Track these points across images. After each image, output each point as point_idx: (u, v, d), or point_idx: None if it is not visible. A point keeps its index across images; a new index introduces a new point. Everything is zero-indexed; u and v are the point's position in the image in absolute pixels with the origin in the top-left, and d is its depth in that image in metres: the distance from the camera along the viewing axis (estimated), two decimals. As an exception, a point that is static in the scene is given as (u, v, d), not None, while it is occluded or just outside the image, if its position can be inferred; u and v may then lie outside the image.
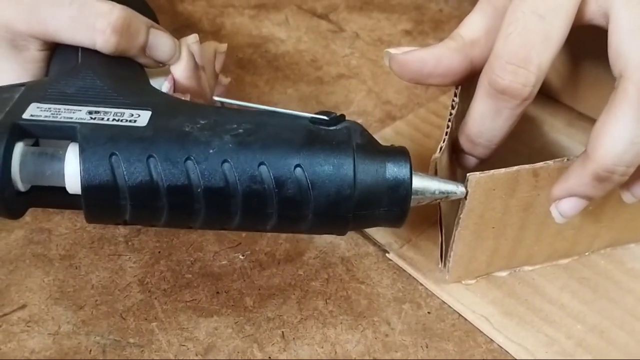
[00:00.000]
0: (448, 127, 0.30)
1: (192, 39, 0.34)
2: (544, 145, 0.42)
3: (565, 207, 0.29)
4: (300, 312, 0.32)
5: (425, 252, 0.34)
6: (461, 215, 0.29)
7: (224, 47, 0.38)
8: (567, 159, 0.29)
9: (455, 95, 0.31)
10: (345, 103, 0.46)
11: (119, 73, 0.30)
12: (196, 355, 0.30)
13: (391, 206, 0.27)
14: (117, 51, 0.31)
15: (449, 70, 0.30)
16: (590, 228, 0.33)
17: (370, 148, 0.27)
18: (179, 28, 0.55)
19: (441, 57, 0.30)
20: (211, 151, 0.26)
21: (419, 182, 0.28)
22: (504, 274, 0.33)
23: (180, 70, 0.33)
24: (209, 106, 0.29)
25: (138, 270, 0.34)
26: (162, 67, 0.34)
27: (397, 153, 0.28)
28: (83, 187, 0.25)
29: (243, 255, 0.34)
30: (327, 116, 0.28)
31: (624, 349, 0.30)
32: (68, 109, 0.27)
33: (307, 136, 0.27)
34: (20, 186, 0.26)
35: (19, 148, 0.26)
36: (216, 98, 0.30)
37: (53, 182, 0.26)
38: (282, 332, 0.31)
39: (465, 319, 0.32)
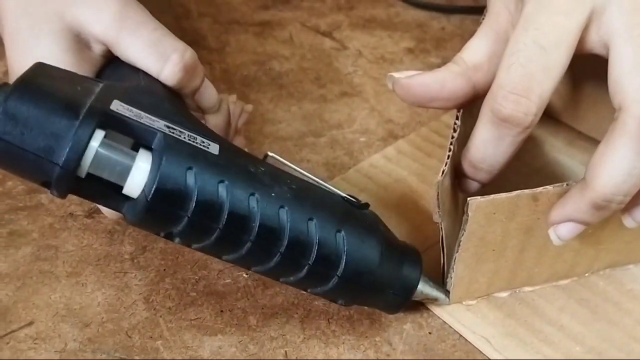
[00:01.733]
0: (450, 150, 0.31)
1: (233, 98, 0.37)
2: (544, 165, 0.42)
3: (563, 231, 0.29)
4: (303, 332, 0.32)
5: (426, 272, 0.35)
6: (462, 238, 0.30)
7: (250, 107, 0.41)
8: (567, 184, 0.30)
9: (457, 118, 0.32)
10: (348, 121, 0.47)
11: (178, 102, 0.32)
12: (200, 373, 0.30)
13: (397, 294, 0.30)
14: (177, 86, 0.32)
15: (452, 95, 0.31)
16: (590, 250, 0.33)
17: (392, 239, 0.31)
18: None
19: (445, 81, 0.31)
20: (273, 194, 0.28)
21: (420, 284, 0.31)
22: (504, 294, 0.34)
23: (219, 122, 0.36)
24: (258, 158, 0.31)
25: (144, 288, 0.34)
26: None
27: (413, 253, 0.32)
28: (154, 190, 0.26)
29: (247, 274, 0.35)
30: (355, 200, 0.31)
31: (622, 370, 0.31)
32: (148, 117, 0.27)
33: (346, 209, 0.30)
34: (82, 170, 0.26)
35: (99, 134, 0.26)
36: (271, 154, 0.31)
37: (114, 177, 0.27)
38: (285, 351, 0.31)
39: (466, 340, 0.32)
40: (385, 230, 0.31)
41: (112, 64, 0.33)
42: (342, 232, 0.29)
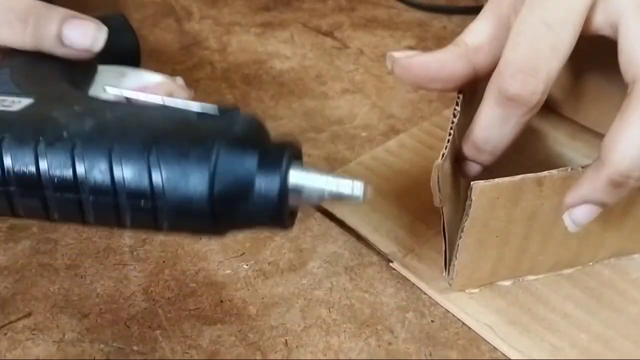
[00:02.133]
0: (450, 134, 0.31)
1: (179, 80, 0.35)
2: (547, 158, 0.42)
3: (579, 215, 0.29)
4: (304, 321, 0.32)
5: (428, 261, 0.34)
6: (465, 224, 0.30)
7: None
8: (571, 169, 0.29)
9: (457, 104, 0.32)
10: (349, 117, 0.46)
11: (43, 71, 0.30)
12: (199, 362, 0.30)
13: (264, 203, 0.24)
14: (27, 43, 0.30)
15: (452, 76, 0.31)
16: (595, 238, 0.33)
17: (247, 140, 0.24)
18: (187, 46, 0.56)
19: (445, 62, 0.30)
20: (64, 134, 0.24)
21: (299, 179, 0.24)
22: (507, 283, 0.33)
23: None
24: (104, 99, 0.28)
25: (142, 279, 0.34)
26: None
27: (279, 145, 0.25)
28: None
29: (247, 265, 0.35)
30: (219, 108, 0.25)
31: (628, 358, 0.30)
32: None
33: (175, 126, 0.24)
34: None
35: None
36: (108, 89, 0.29)
37: None
38: (286, 340, 0.31)
39: (469, 328, 0.31)
40: (244, 131, 0.25)
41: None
42: (155, 154, 0.24)
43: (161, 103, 0.26)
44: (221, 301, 0.33)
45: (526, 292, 0.33)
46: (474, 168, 0.32)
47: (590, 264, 0.35)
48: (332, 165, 0.42)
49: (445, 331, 0.31)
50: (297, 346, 0.31)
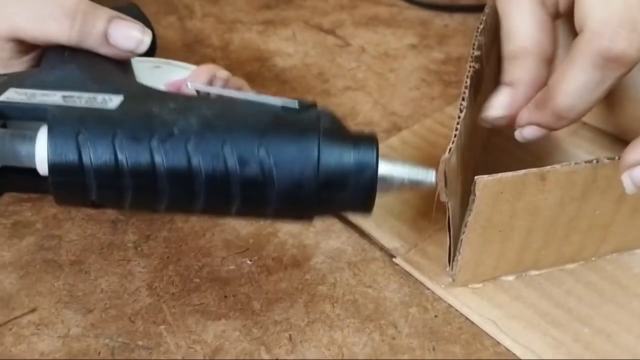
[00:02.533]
0: (457, 129, 0.31)
1: (222, 74, 0.36)
2: (549, 154, 0.42)
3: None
4: (308, 316, 0.32)
5: (432, 256, 0.35)
6: (469, 219, 0.30)
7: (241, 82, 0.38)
8: (575, 163, 0.30)
9: (463, 99, 0.32)
10: (352, 114, 0.47)
11: (102, 66, 0.31)
12: (204, 357, 0.30)
13: (357, 190, 0.27)
14: (73, 39, 0.30)
15: (543, 82, 0.30)
16: (598, 233, 0.33)
17: (337, 132, 0.27)
18: (189, 44, 0.56)
19: (535, 81, 0.30)
20: (175, 131, 0.26)
21: (386, 169, 0.28)
22: (510, 278, 0.33)
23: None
24: (184, 94, 0.30)
25: (147, 275, 0.34)
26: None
27: (365, 138, 0.28)
28: (50, 166, 0.26)
29: (251, 261, 0.35)
30: (299, 103, 0.28)
31: (632, 352, 0.30)
32: (44, 94, 0.27)
33: (274, 120, 0.27)
34: None
35: None
36: (190, 84, 0.30)
37: (25, 163, 0.26)
38: (290, 334, 0.31)
39: (472, 322, 0.32)
40: (332, 124, 0.28)
41: (46, 53, 0.32)
42: (264, 145, 0.26)
43: (245, 98, 0.28)
44: (225, 296, 0.33)
45: (529, 286, 0.33)
46: (538, 133, 0.31)
47: (593, 259, 0.35)
48: (335, 162, 0.42)
49: (449, 326, 0.31)
50: (301, 341, 0.31)
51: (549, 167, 0.29)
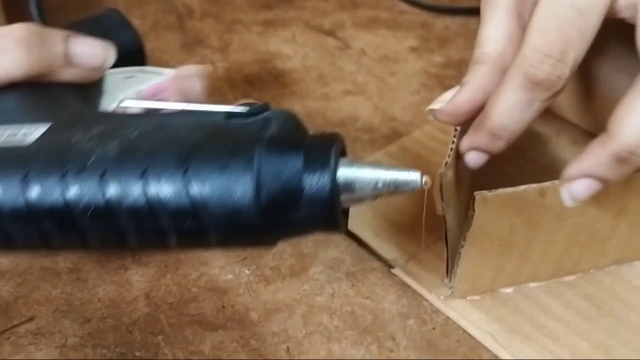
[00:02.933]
0: (453, 142, 0.31)
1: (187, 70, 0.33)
2: (549, 163, 0.42)
3: (578, 189, 0.28)
4: (305, 327, 0.32)
5: (430, 267, 0.34)
6: (467, 233, 0.30)
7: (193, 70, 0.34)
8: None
9: None
10: (351, 119, 0.46)
11: (51, 91, 0.28)
12: (201, 369, 0.30)
13: (313, 207, 0.23)
14: (33, 69, 0.28)
15: (490, 92, 0.30)
16: (596, 246, 0.33)
17: (286, 140, 0.23)
18: (188, 44, 0.55)
19: (484, 86, 0.30)
20: (90, 161, 0.22)
21: (349, 173, 0.23)
22: (509, 290, 0.33)
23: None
24: (123, 114, 0.27)
25: (144, 284, 0.34)
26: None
27: (321, 141, 0.23)
28: None
29: (249, 270, 0.35)
30: (248, 107, 0.24)
31: (629, 367, 0.30)
32: None
33: (209, 134, 0.23)
34: None
35: None
36: (123, 103, 0.27)
37: None
38: (287, 346, 0.31)
39: (470, 335, 0.32)
40: (281, 130, 0.23)
41: None
42: (191, 171, 0.22)
43: (185, 109, 0.25)
44: (223, 307, 0.33)
45: (527, 299, 0.33)
46: (480, 159, 0.31)
47: (592, 271, 0.35)
48: (334, 169, 0.42)
49: (447, 339, 0.31)
50: (298, 353, 0.31)
51: (548, 182, 0.29)
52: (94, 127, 0.24)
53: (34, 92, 0.28)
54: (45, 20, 0.44)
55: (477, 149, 0.30)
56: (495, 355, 0.31)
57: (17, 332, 0.31)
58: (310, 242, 0.36)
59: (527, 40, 0.28)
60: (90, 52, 0.30)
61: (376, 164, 0.24)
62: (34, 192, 0.23)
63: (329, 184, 0.22)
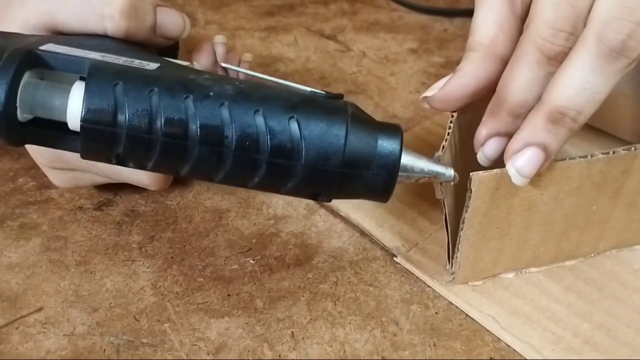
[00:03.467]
0: (450, 127, 0.31)
1: (218, 38, 0.36)
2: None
3: (523, 160, 0.29)
4: (310, 313, 0.32)
5: (432, 255, 0.35)
6: (466, 215, 0.30)
7: (249, 56, 0.39)
8: (569, 158, 0.30)
9: None
10: (353, 117, 0.47)
11: (135, 46, 0.32)
12: (208, 354, 0.30)
13: (378, 174, 0.28)
14: (129, 35, 0.32)
15: (488, 79, 0.31)
16: (595, 229, 0.33)
17: (364, 119, 0.29)
18: (192, 51, 0.56)
19: (476, 72, 0.30)
20: (211, 93, 0.27)
21: (408, 159, 0.29)
22: (510, 275, 0.34)
23: (200, 60, 0.35)
24: (223, 74, 0.31)
25: (151, 274, 0.34)
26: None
27: (390, 127, 0.29)
28: (84, 113, 0.26)
29: (253, 260, 0.35)
30: (326, 93, 0.29)
31: (631, 346, 0.30)
32: (82, 52, 0.28)
33: (304, 98, 0.28)
34: (20, 115, 0.27)
35: (26, 76, 0.27)
36: (223, 64, 0.31)
37: (56, 115, 0.27)
38: (292, 332, 0.31)
39: (473, 319, 0.32)
40: (358, 112, 0.29)
41: None
42: (295, 117, 0.27)
43: (277, 82, 0.30)
44: (228, 295, 0.33)
45: (529, 283, 0.33)
46: (500, 145, 0.30)
47: (592, 255, 0.35)
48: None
49: (449, 322, 0.32)
50: (303, 338, 0.31)
51: None
52: (203, 74, 0.28)
53: (126, 43, 0.31)
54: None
55: (498, 133, 0.30)
56: (498, 338, 0.31)
57: (26, 321, 0.32)
58: (313, 233, 0.37)
59: (537, 15, 0.28)
60: (174, 22, 0.33)
61: (425, 157, 0.30)
62: (158, 106, 0.26)
63: (395, 162, 0.28)
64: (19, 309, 0.32)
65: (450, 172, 0.30)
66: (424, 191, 0.40)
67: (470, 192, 0.29)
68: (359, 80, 0.51)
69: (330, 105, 0.28)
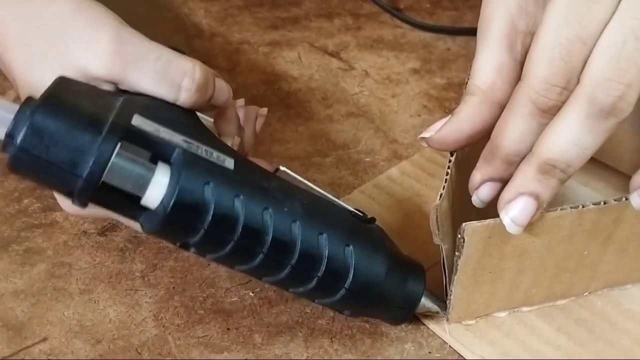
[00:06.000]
0: (447, 174, 0.32)
1: (240, 102, 0.37)
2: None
3: (516, 210, 0.30)
4: (307, 350, 0.33)
5: (429, 288, 0.36)
6: (459, 262, 0.31)
7: (264, 110, 0.40)
8: (560, 209, 0.31)
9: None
10: (354, 141, 0.48)
11: (191, 113, 0.32)
12: (207, 390, 0.31)
13: (401, 308, 0.33)
14: (196, 105, 0.32)
15: (485, 124, 0.31)
16: (587, 271, 0.34)
17: (397, 254, 0.33)
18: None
19: (473, 117, 0.31)
20: (285, 209, 0.30)
21: (427, 302, 0.33)
22: (502, 314, 0.35)
23: (229, 128, 0.36)
24: (271, 172, 0.33)
25: (153, 305, 0.35)
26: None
27: (417, 268, 0.33)
28: (173, 203, 0.27)
29: (253, 292, 0.36)
30: (363, 214, 0.33)
31: (618, 390, 0.31)
32: (167, 131, 0.29)
33: (354, 224, 0.32)
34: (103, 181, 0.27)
35: (117, 148, 0.27)
36: (282, 168, 0.33)
37: (130, 188, 0.28)
38: (289, 368, 0.32)
39: (465, 359, 0.33)
40: (391, 245, 0.33)
41: None
42: (351, 247, 0.30)
43: (322, 194, 0.33)
44: (228, 329, 0.34)
45: (521, 323, 0.34)
46: (493, 189, 0.31)
47: (584, 294, 0.36)
48: (337, 192, 0.43)
49: (442, 362, 0.33)
50: (299, 375, 0.32)
51: None
52: (270, 179, 0.31)
53: (188, 113, 0.32)
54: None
55: (491, 179, 0.31)
56: (489, 378, 0.32)
57: (30, 352, 0.33)
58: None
59: (532, 70, 0.29)
60: (224, 91, 0.35)
61: (429, 295, 0.33)
62: (241, 210, 0.29)
63: (420, 297, 0.33)
64: (24, 339, 0.33)
65: (444, 313, 0.34)
66: (422, 222, 0.40)
67: (463, 241, 0.30)
68: (361, 102, 0.52)
69: (373, 236, 0.32)
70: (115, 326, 0.34)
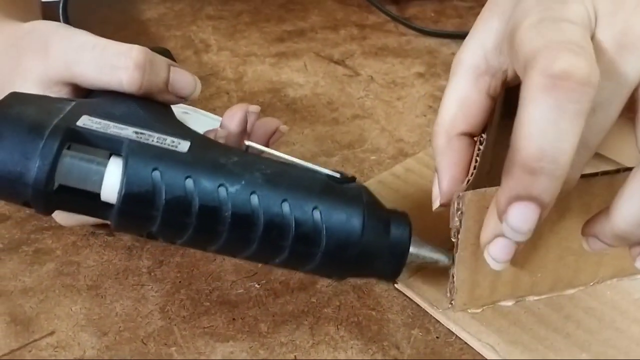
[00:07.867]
0: (477, 160, 0.31)
1: (253, 108, 0.37)
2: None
3: (514, 215, 0.26)
4: (313, 337, 0.33)
5: (433, 282, 0.35)
6: (460, 236, 0.31)
7: (284, 128, 0.39)
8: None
9: (483, 131, 0.32)
10: (359, 141, 0.48)
11: (157, 108, 0.33)
12: (212, 378, 0.31)
13: (389, 262, 0.31)
14: (143, 88, 0.32)
15: (464, 155, 0.32)
16: (593, 255, 0.34)
17: (377, 207, 0.31)
18: (205, 77, 0.58)
19: (450, 163, 0.32)
20: (242, 182, 0.29)
21: (413, 248, 0.32)
22: (509, 303, 0.34)
23: (232, 126, 0.36)
24: (237, 148, 0.32)
25: (159, 299, 0.35)
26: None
27: (400, 217, 0.32)
28: (123, 194, 0.28)
29: (259, 284, 0.36)
30: (341, 174, 0.31)
31: (629, 375, 0.31)
32: (116, 126, 0.29)
33: (325, 186, 0.30)
34: (56, 185, 0.28)
35: (64, 151, 0.28)
36: (247, 142, 0.33)
37: (89, 186, 0.28)
38: (295, 355, 0.32)
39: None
40: (371, 199, 0.31)
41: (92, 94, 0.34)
42: (319, 209, 0.29)
43: (294, 162, 0.32)
44: (234, 319, 0.34)
45: (528, 312, 0.34)
46: (505, 249, 0.28)
47: (592, 284, 0.35)
48: (342, 189, 0.43)
49: (450, 347, 0.32)
50: (305, 362, 0.32)
51: None
52: (230, 155, 0.30)
53: (147, 105, 0.32)
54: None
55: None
56: (497, 365, 0.32)
57: (38, 345, 0.33)
58: (317, 259, 0.38)
59: (525, 46, 0.25)
60: (185, 81, 0.34)
61: (426, 244, 0.32)
62: (193, 192, 0.28)
63: (407, 245, 0.31)
64: (31, 333, 0.34)
65: (445, 259, 0.32)
66: (426, 217, 0.40)
67: (462, 212, 0.30)
68: (366, 105, 0.52)
69: (348, 194, 0.30)
70: (122, 319, 0.34)
